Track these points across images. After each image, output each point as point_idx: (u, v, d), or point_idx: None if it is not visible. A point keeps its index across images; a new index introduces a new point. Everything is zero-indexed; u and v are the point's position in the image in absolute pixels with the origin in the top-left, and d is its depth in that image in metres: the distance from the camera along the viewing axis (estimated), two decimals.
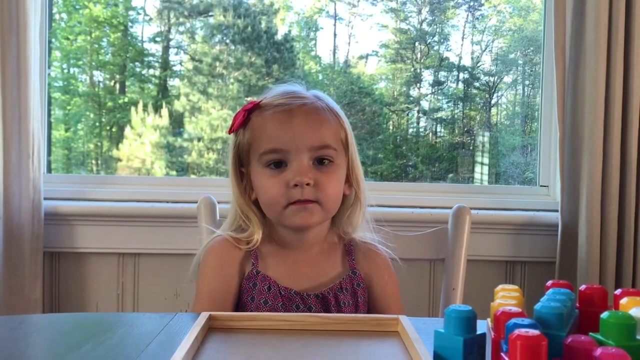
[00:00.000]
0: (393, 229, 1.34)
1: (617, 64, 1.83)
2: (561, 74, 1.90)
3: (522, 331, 0.56)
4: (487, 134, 2.58)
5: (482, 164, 2.53)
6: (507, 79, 2.66)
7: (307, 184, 1.03)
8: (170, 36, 2.55)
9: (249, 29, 2.47)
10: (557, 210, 1.99)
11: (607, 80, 1.84)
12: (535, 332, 0.56)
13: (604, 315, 0.61)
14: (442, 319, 0.68)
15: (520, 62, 2.64)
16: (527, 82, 2.67)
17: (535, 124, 2.61)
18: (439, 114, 2.66)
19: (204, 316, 0.83)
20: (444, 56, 2.62)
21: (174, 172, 2.47)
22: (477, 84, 2.64)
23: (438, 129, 2.69)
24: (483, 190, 2.26)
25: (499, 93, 2.64)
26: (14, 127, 1.83)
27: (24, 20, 1.82)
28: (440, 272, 2.04)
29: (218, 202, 1.36)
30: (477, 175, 2.56)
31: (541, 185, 2.16)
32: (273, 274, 1.10)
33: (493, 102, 2.66)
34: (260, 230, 1.12)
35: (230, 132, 1.14)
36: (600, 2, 1.82)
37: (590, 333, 0.61)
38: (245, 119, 1.10)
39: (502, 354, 0.58)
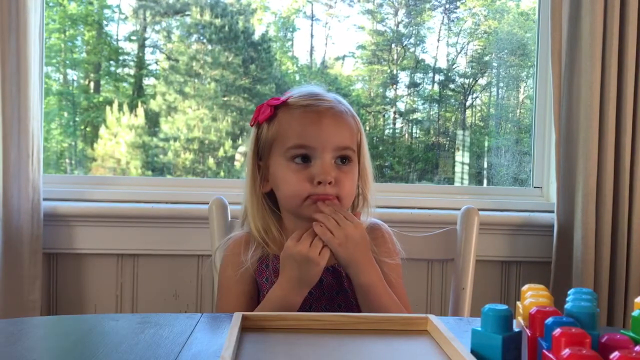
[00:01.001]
0: (393, 229, 1.36)
1: (611, 69, 1.88)
2: (557, 79, 1.94)
3: (566, 329, 0.57)
4: (463, 134, 2.61)
5: (462, 163, 2.56)
6: (482, 80, 2.70)
7: (330, 182, 1.11)
8: (146, 35, 2.52)
9: (226, 28, 2.46)
10: (552, 211, 2.03)
11: (601, 85, 1.88)
12: (579, 329, 0.57)
13: (635, 313, 0.63)
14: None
15: (494, 64, 2.68)
16: (501, 85, 2.71)
17: (510, 125, 2.66)
18: (415, 115, 2.68)
19: (237, 316, 0.82)
20: (420, 58, 2.64)
21: (150, 172, 2.44)
22: (452, 86, 2.67)
23: (414, 130, 2.71)
24: (475, 191, 2.29)
25: (474, 95, 2.68)
26: (13, 126, 1.80)
27: (24, 18, 1.79)
28: (438, 272, 2.08)
29: (229, 203, 1.41)
30: (457, 176, 2.59)
31: (535, 187, 2.21)
32: None
33: (468, 103, 2.69)
34: (263, 221, 1.19)
35: (253, 124, 1.21)
36: (595, 9, 1.86)
37: (622, 330, 0.63)
38: (272, 114, 1.17)
39: (545, 352, 0.59)
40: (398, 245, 1.24)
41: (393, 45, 2.64)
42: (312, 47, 2.62)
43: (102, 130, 2.38)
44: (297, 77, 2.66)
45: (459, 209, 1.42)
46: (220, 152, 2.46)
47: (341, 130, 1.15)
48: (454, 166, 2.59)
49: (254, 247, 1.19)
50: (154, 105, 2.44)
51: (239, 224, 1.27)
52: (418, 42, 2.65)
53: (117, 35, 2.51)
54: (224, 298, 1.20)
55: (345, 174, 1.14)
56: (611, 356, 0.53)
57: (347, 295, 1.16)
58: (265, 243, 1.18)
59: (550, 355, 0.58)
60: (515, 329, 0.69)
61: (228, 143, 2.44)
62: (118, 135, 2.39)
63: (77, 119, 2.46)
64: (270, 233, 1.19)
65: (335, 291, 1.17)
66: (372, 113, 2.70)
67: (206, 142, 2.45)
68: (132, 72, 2.53)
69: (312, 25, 2.58)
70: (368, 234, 1.19)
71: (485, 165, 2.63)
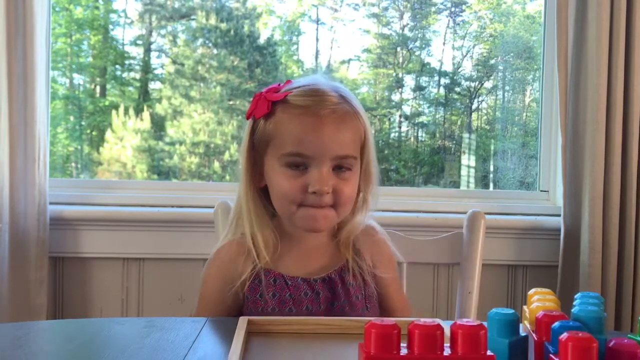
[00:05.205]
0: (399, 233, 1.35)
1: (618, 72, 1.87)
2: (563, 82, 1.94)
3: (572, 333, 0.56)
4: (469, 137, 2.60)
5: (468, 167, 2.56)
6: (488, 84, 2.69)
7: (328, 192, 1.04)
8: (152, 39, 2.52)
9: (232, 32, 2.47)
10: (558, 215, 2.02)
11: (608, 88, 1.88)
12: (586, 334, 0.56)
13: None
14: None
15: (500, 67, 2.67)
16: (507, 88, 2.70)
17: (516, 128, 2.65)
18: (421, 119, 2.68)
19: (243, 321, 0.82)
20: (426, 61, 2.64)
21: (155, 176, 2.44)
22: (457, 89, 2.66)
23: (419, 134, 2.70)
24: (482, 194, 2.28)
25: (480, 98, 2.67)
26: (20, 131, 1.81)
27: (31, 23, 1.80)
28: (444, 276, 2.07)
29: None
30: (463, 179, 2.58)
31: (541, 190, 2.20)
32: (277, 266, 1.11)
33: (474, 107, 2.68)
34: (258, 217, 1.11)
35: (249, 117, 1.13)
36: (601, 12, 1.86)
37: (629, 335, 0.62)
38: (269, 110, 1.09)
39: (552, 356, 0.58)
40: (394, 250, 1.20)
41: (398, 49, 2.64)
42: (317, 51, 2.62)
43: (108, 134, 2.39)
44: None
45: (465, 213, 1.41)
46: (226, 156, 2.46)
47: (343, 137, 1.06)
48: (459, 170, 2.58)
49: (244, 257, 1.10)
50: (159, 109, 2.44)
51: (229, 228, 1.17)
52: (423, 46, 2.65)
53: (123, 39, 2.52)
54: (201, 311, 1.13)
55: (345, 181, 1.07)
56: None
57: (342, 304, 1.10)
58: (256, 251, 1.09)
59: None
60: (522, 333, 0.69)
61: (233, 147, 2.45)
62: (124, 139, 2.39)
63: (83, 123, 2.47)
64: (265, 233, 1.10)
65: (330, 302, 1.10)
66: (378, 117, 2.69)
67: (212, 145, 2.45)
68: (137, 76, 2.54)
69: (317, 29, 2.59)
70: (361, 238, 1.15)
71: (492, 169, 2.62)
